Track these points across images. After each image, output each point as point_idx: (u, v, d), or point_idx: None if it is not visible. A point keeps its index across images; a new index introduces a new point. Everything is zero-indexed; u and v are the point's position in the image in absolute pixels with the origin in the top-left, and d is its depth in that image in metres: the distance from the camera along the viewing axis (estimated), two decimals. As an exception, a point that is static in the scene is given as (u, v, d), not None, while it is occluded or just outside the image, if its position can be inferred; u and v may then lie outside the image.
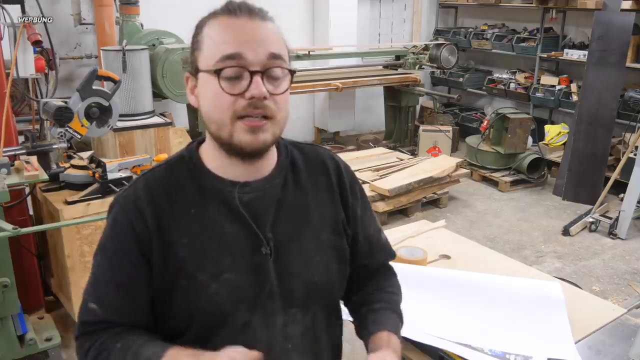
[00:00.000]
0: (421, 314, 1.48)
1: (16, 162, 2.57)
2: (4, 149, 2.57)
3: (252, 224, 1.02)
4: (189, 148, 1.08)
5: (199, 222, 1.01)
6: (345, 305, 1.24)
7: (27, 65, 2.93)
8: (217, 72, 0.94)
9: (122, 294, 1.00)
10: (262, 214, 1.03)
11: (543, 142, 5.67)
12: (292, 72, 1.00)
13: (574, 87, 5.60)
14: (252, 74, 0.94)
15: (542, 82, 5.89)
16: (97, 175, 2.68)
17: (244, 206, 1.02)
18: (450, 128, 5.92)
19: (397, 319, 1.16)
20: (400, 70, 6.02)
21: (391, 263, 1.29)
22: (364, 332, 1.13)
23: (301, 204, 1.08)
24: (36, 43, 2.90)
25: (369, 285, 1.21)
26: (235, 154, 1.00)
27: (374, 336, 1.09)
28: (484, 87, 6.62)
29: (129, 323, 1.01)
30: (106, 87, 2.85)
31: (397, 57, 6.20)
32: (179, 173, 1.04)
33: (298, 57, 5.21)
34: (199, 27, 1.00)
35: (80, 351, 1.03)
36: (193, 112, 4.82)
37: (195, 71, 1.00)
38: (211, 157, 1.04)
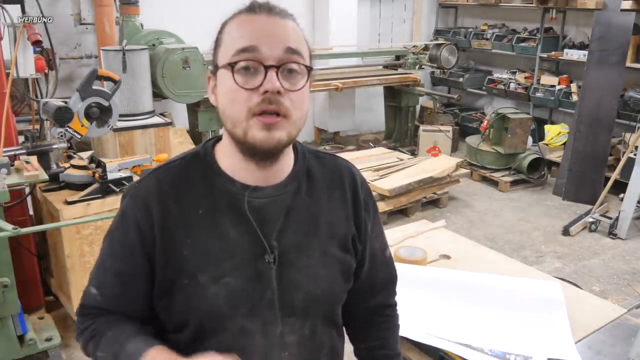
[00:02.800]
0: (421, 314, 1.48)
1: (16, 162, 2.58)
2: (4, 149, 2.57)
3: (258, 231, 1.00)
4: (206, 145, 1.07)
5: (206, 223, 1.00)
6: (348, 333, 1.24)
7: (27, 65, 2.92)
8: (232, 65, 0.93)
9: (121, 284, 1.03)
10: (270, 221, 1.01)
11: (543, 142, 5.68)
12: (310, 69, 0.98)
13: (574, 87, 5.60)
14: (267, 68, 0.92)
15: (542, 82, 5.90)
16: (97, 175, 2.68)
17: (252, 211, 1.00)
18: (450, 128, 5.92)
19: None
20: (400, 70, 6.02)
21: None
22: None
23: (312, 214, 1.06)
24: (36, 43, 2.90)
25: (372, 334, 1.23)
26: (249, 154, 0.98)
27: None
28: (484, 87, 6.62)
29: (125, 313, 1.05)
30: (106, 87, 2.85)
31: (397, 57, 6.20)
32: (192, 171, 1.03)
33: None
34: (222, 27, 1.00)
35: (78, 329, 1.08)
36: (193, 112, 4.82)
37: (215, 69, 1.00)
38: (226, 157, 1.03)
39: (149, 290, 1.02)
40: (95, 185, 2.69)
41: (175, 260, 0.99)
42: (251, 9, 0.97)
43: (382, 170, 4.81)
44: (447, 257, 1.89)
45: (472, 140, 5.68)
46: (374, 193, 4.21)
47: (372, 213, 1.16)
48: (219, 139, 1.07)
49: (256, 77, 0.93)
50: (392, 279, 1.25)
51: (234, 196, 1.01)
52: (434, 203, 4.88)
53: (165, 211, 0.99)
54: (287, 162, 1.05)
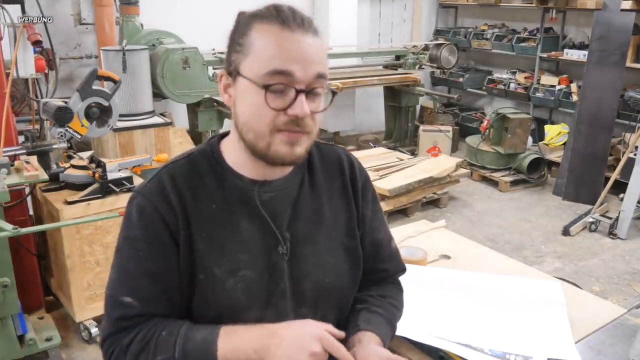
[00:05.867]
0: (421, 314, 1.48)
1: (16, 162, 2.57)
2: (4, 149, 2.56)
3: (271, 223, 1.03)
4: (211, 142, 1.08)
5: (219, 218, 1.01)
6: None
7: (27, 65, 2.92)
8: (266, 87, 0.93)
9: (157, 284, 0.98)
10: (280, 214, 1.04)
11: (543, 142, 5.67)
12: (334, 93, 1.00)
13: (574, 87, 5.60)
14: (298, 92, 0.94)
15: (542, 82, 5.90)
16: (97, 175, 2.68)
17: (263, 205, 1.03)
18: (450, 128, 5.92)
19: (389, 330, 1.14)
20: (400, 70, 6.02)
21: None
22: (352, 324, 1.10)
23: (316, 205, 1.08)
24: (36, 43, 2.89)
25: (374, 290, 1.19)
26: (268, 163, 0.99)
27: (363, 332, 1.07)
28: (484, 87, 6.62)
29: (166, 314, 1.00)
30: (106, 87, 2.85)
31: (397, 57, 6.20)
32: (201, 167, 1.04)
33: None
34: (244, 27, 0.97)
35: (117, 348, 0.98)
36: (193, 112, 4.81)
37: (234, 72, 0.98)
38: (232, 153, 1.04)
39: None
40: (95, 185, 2.69)
41: (192, 254, 0.99)
42: (286, 23, 0.94)
43: (382, 170, 4.81)
44: (447, 257, 1.88)
45: (472, 140, 5.67)
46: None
47: (370, 201, 1.17)
48: (222, 135, 1.09)
49: (285, 97, 0.94)
50: (399, 271, 1.25)
51: (243, 191, 1.03)
52: (434, 203, 4.88)
53: (183, 202, 1.00)
54: None
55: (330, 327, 0.98)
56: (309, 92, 0.95)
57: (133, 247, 1.00)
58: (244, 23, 0.98)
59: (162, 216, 0.98)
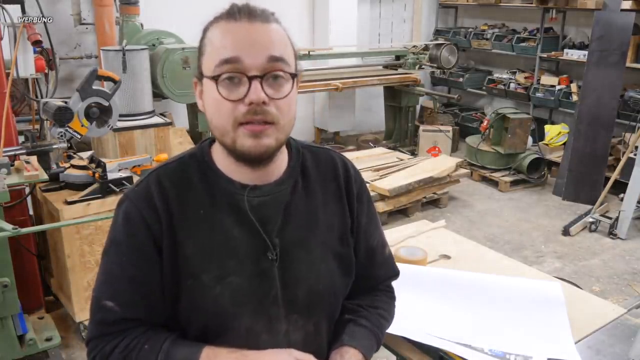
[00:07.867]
0: (421, 314, 1.48)
1: (16, 162, 2.58)
2: (4, 149, 2.57)
3: (260, 229, 1.01)
4: (202, 146, 1.07)
5: (207, 223, 1.00)
6: None
7: (27, 65, 2.92)
8: (215, 78, 0.93)
9: (139, 290, 0.98)
10: (270, 219, 1.02)
11: (543, 142, 5.68)
12: (295, 75, 0.97)
13: (574, 87, 5.60)
14: (251, 79, 0.92)
15: (542, 82, 5.90)
16: (97, 175, 2.68)
17: (252, 210, 1.01)
18: (450, 128, 5.93)
19: (374, 343, 1.14)
20: (400, 70, 6.02)
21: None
22: (337, 337, 1.11)
23: (309, 210, 1.06)
24: (36, 43, 2.90)
25: (365, 299, 1.18)
26: (240, 160, 0.98)
27: (346, 348, 1.08)
28: (484, 87, 6.62)
29: (147, 319, 1.00)
30: (106, 87, 2.85)
31: (397, 57, 6.20)
32: (191, 171, 1.03)
33: (298, 57, 5.21)
34: (204, 32, 0.99)
35: (99, 354, 0.98)
36: (193, 112, 4.82)
37: (200, 76, 0.99)
38: (221, 158, 1.03)
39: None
40: (95, 185, 2.69)
41: (179, 260, 0.99)
42: (231, 15, 0.95)
43: (382, 170, 4.81)
44: (447, 257, 1.88)
45: (472, 140, 5.68)
46: (373, 193, 4.26)
47: (365, 206, 1.15)
48: (214, 139, 1.07)
49: (240, 87, 0.92)
50: (391, 277, 1.25)
51: (233, 196, 1.01)
52: (434, 203, 4.88)
53: (169, 208, 0.99)
54: (281, 160, 1.06)
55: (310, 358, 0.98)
56: (266, 78, 0.93)
57: (117, 252, 1.00)
58: (204, 29, 1.00)
59: (146, 222, 0.98)
